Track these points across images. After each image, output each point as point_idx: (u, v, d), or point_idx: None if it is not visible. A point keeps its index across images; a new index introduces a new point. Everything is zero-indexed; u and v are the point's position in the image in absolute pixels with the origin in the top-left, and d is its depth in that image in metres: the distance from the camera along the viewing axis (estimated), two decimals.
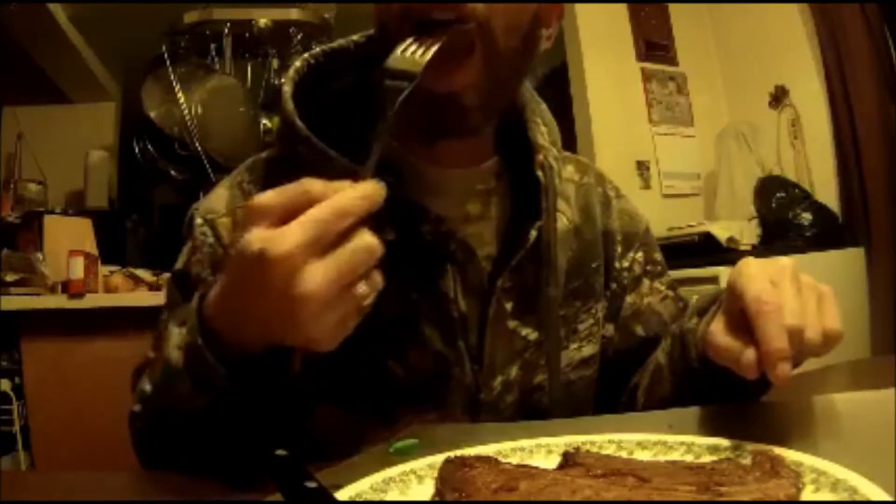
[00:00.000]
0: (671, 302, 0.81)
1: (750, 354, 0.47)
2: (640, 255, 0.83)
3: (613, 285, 0.80)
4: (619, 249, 0.82)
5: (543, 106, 0.79)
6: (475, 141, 0.72)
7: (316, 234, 0.43)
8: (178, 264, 0.73)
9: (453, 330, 0.68)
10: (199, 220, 0.72)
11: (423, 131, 0.67)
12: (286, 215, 0.44)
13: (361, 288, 0.45)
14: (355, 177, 0.47)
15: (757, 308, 0.47)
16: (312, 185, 0.45)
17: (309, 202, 0.44)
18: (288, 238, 0.42)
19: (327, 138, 0.67)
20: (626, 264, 0.82)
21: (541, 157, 0.73)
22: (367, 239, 0.45)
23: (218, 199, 0.73)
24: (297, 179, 0.69)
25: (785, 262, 0.51)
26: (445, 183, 0.72)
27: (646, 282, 0.82)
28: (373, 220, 0.66)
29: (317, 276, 0.43)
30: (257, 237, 0.43)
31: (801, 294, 0.49)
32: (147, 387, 0.60)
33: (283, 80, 0.72)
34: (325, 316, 0.44)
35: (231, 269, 0.48)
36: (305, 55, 0.75)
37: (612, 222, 0.82)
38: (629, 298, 0.80)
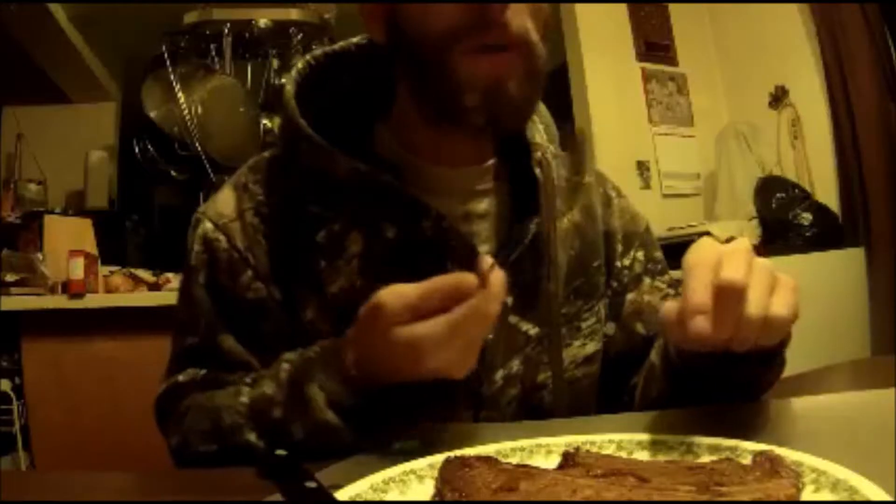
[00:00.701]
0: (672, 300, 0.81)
1: (671, 308, 0.48)
2: (640, 253, 0.83)
3: (614, 284, 0.81)
4: (620, 248, 0.82)
5: (541, 104, 0.80)
6: (478, 141, 0.72)
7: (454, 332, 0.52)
8: (201, 278, 0.72)
9: None
10: (209, 227, 0.72)
11: (482, 130, 0.68)
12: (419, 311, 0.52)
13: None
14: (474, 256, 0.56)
15: (686, 270, 0.48)
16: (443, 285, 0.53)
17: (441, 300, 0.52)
18: (432, 334, 0.52)
19: (329, 138, 0.68)
20: (626, 263, 0.82)
21: (538, 154, 0.74)
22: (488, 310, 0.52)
23: (225, 202, 0.73)
24: (298, 178, 0.70)
25: (741, 241, 0.50)
26: (446, 182, 0.72)
27: (646, 280, 0.82)
28: (375, 217, 0.68)
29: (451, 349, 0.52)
30: (406, 330, 0.52)
31: (752, 271, 0.47)
32: (249, 438, 0.61)
33: (284, 80, 0.73)
34: (455, 357, 0.53)
35: (366, 345, 0.56)
36: (307, 56, 0.76)
37: (613, 221, 0.83)
38: (630, 296, 0.81)
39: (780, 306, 0.47)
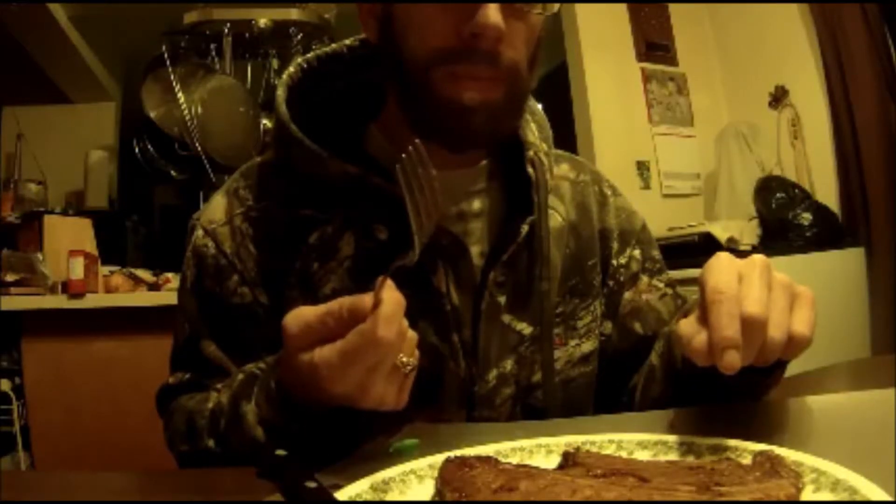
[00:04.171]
0: (670, 300, 0.81)
1: (699, 339, 0.47)
2: (637, 252, 0.83)
3: (611, 282, 0.81)
4: (616, 246, 0.82)
5: (534, 103, 0.81)
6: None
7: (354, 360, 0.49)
8: (188, 282, 0.74)
9: (446, 323, 0.69)
10: (200, 233, 0.73)
11: (457, 147, 0.69)
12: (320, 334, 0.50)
13: (403, 360, 0.51)
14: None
15: (712, 297, 0.47)
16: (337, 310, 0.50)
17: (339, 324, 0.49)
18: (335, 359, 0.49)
19: (321, 141, 0.69)
20: (623, 261, 0.82)
21: (530, 153, 0.74)
22: (377, 335, 0.48)
23: (216, 207, 0.75)
24: (290, 182, 0.71)
25: (758, 258, 0.50)
26: (439, 183, 0.73)
27: (644, 278, 0.82)
28: (367, 219, 0.68)
29: (359, 378, 0.49)
30: (308, 355, 0.50)
31: (772, 291, 0.48)
32: (209, 443, 0.63)
33: (277, 84, 0.74)
34: (384, 393, 0.51)
35: (287, 367, 0.54)
36: (299, 60, 0.77)
37: (609, 220, 0.83)
38: (627, 295, 0.81)
39: (800, 324, 0.47)
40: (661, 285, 0.82)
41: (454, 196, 0.73)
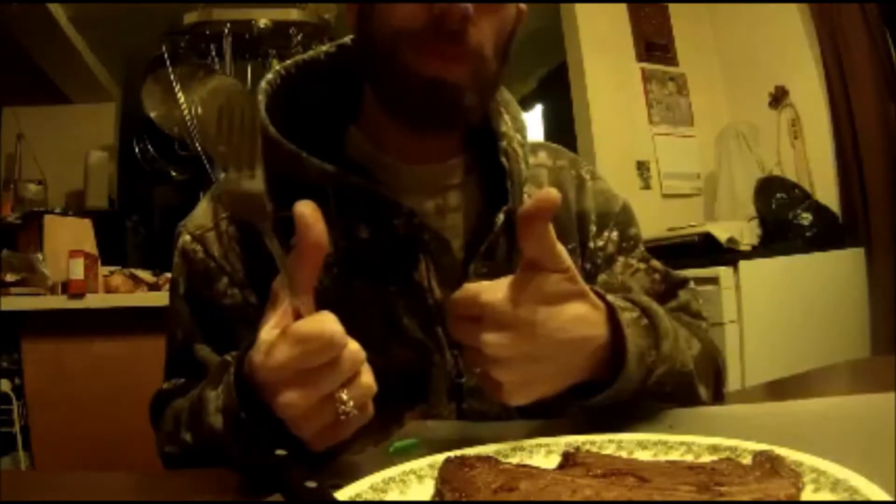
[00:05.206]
0: (643, 274, 0.81)
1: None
2: (615, 234, 0.82)
3: (588, 265, 0.81)
4: (594, 229, 0.82)
5: (508, 96, 0.82)
6: (444, 138, 0.75)
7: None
8: (180, 288, 0.74)
9: (430, 317, 0.70)
10: (187, 238, 0.74)
11: (418, 124, 0.70)
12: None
13: (343, 397, 0.48)
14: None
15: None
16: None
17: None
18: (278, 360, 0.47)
19: (301, 143, 0.70)
20: (600, 244, 0.82)
21: (503, 143, 0.75)
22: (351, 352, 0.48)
23: (202, 213, 0.76)
24: (272, 184, 0.71)
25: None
26: (415, 179, 0.74)
27: (620, 259, 0.82)
28: (348, 218, 0.69)
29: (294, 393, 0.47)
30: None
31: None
32: (187, 437, 0.62)
33: (257, 91, 0.75)
34: (306, 423, 0.48)
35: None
36: (278, 67, 0.78)
37: (587, 202, 0.83)
38: (601, 277, 0.80)
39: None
40: (634, 262, 0.82)
41: (431, 191, 0.74)
